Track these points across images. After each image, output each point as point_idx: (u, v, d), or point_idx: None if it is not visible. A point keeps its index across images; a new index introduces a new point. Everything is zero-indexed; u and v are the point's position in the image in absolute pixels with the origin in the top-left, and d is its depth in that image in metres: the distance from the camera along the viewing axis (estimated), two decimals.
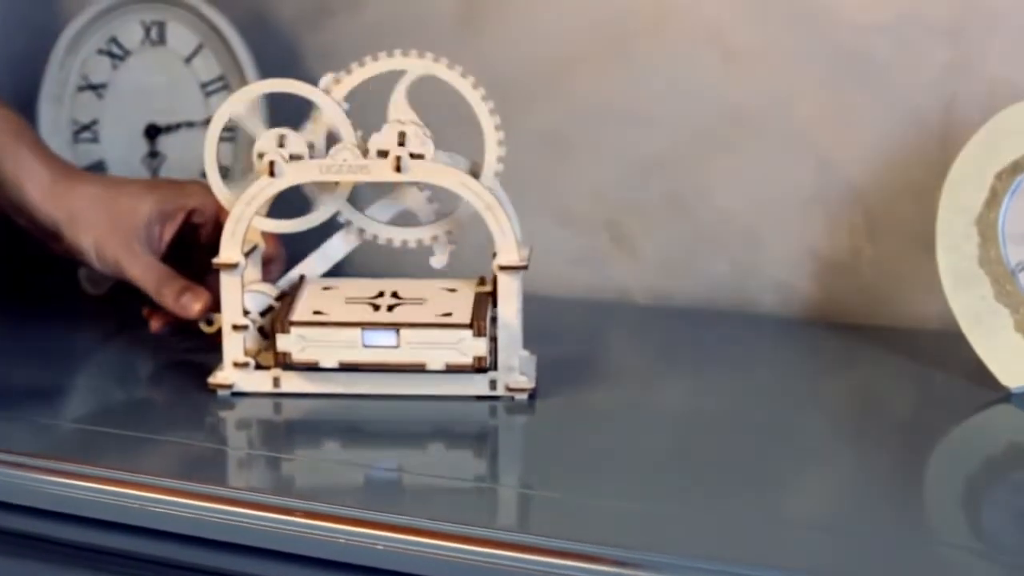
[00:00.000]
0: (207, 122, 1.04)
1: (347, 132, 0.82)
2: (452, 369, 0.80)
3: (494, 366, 0.82)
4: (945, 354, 0.93)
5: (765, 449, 0.78)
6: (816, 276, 1.02)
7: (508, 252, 0.81)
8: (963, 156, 0.88)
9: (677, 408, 0.85)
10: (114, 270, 0.90)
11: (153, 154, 1.06)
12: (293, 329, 0.80)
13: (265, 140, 0.82)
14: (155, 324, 0.91)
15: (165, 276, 0.89)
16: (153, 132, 1.06)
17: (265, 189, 0.81)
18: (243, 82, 1.04)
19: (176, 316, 0.89)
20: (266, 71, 1.06)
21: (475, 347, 0.80)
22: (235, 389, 0.83)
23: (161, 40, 1.05)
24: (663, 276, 1.06)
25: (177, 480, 0.73)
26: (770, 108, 1.01)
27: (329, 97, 0.82)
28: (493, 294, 0.82)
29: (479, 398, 0.83)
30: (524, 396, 0.83)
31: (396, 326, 0.80)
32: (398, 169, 0.80)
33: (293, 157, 0.81)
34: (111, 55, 1.05)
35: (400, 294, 0.83)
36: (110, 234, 0.89)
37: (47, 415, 0.83)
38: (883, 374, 0.92)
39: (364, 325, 0.80)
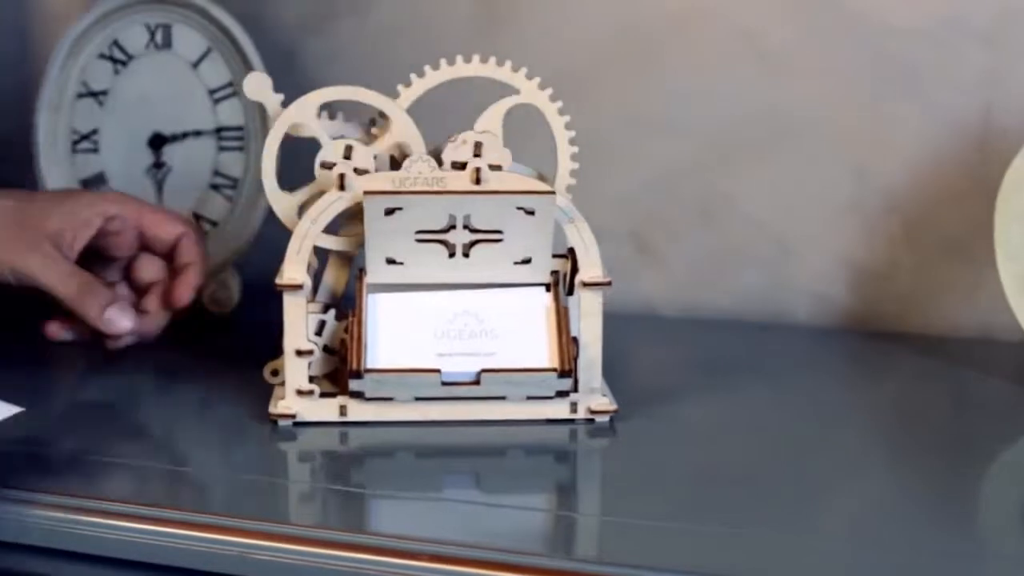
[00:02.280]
0: (217, 131, 0.99)
1: (417, 143, 0.78)
2: (537, 389, 0.77)
3: (574, 388, 0.78)
4: (989, 363, 0.92)
5: (844, 466, 0.76)
6: (852, 285, 1.00)
7: (592, 268, 0.78)
8: (1017, 162, 0.87)
9: (749, 426, 0.82)
10: (22, 277, 0.83)
11: (158, 165, 1.00)
12: (367, 375, 0.75)
13: (330, 150, 0.77)
14: (54, 330, 0.86)
15: (88, 284, 0.84)
16: (158, 142, 1.00)
17: (333, 204, 0.76)
18: None
19: (93, 329, 0.84)
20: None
21: (560, 385, 0.76)
22: (298, 419, 0.78)
23: (167, 44, 0.99)
24: (691, 288, 1.04)
25: (244, 519, 0.68)
26: (804, 114, 0.99)
27: (399, 107, 0.77)
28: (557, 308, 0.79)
29: (558, 422, 0.79)
30: (605, 419, 0.79)
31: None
32: (477, 181, 0.76)
33: (358, 170, 0.77)
34: (113, 60, 0.99)
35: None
36: (16, 240, 0.82)
37: (96, 454, 0.78)
38: (930, 384, 0.91)
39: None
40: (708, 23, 1.00)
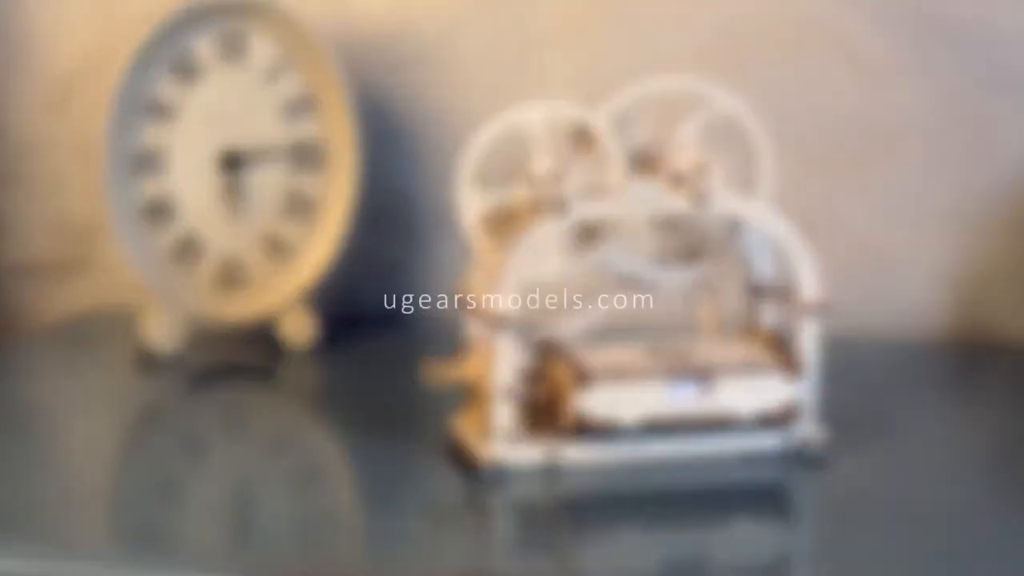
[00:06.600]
0: (294, 149, 0.91)
1: (620, 164, 0.72)
2: (760, 420, 0.72)
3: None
4: None
5: None
6: (953, 297, 0.99)
7: (811, 290, 0.74)
8: None
9: (949, 455, 0.79)
10: None
11: (232, 187, 0.91)
12: (596, 380, 0.69)
13: (543, 164, 0.71)
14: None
15: None
16: (231, 161, 0.90)
17: (552, 230, 0.70)
18: (337, 102, 0.90)
19: None
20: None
21: (788, 393, 0.71)
22: (505, 464, 0.71)
23: (240, 54, 0.90)
24: None
25: None
26: (904, 123, 0.97)
27: (606, 125, 0.72)
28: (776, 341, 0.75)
29: (770, 454, 0.74)
30: (818, 449, 0.75)
31: (704, 374, 0.70)
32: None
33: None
34: (181, 72, 0.89)
35: (679, 347, 0.74)
36: None
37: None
38: None
39: (670, 375, 0.70)
40: (805, 31, 0.97)
